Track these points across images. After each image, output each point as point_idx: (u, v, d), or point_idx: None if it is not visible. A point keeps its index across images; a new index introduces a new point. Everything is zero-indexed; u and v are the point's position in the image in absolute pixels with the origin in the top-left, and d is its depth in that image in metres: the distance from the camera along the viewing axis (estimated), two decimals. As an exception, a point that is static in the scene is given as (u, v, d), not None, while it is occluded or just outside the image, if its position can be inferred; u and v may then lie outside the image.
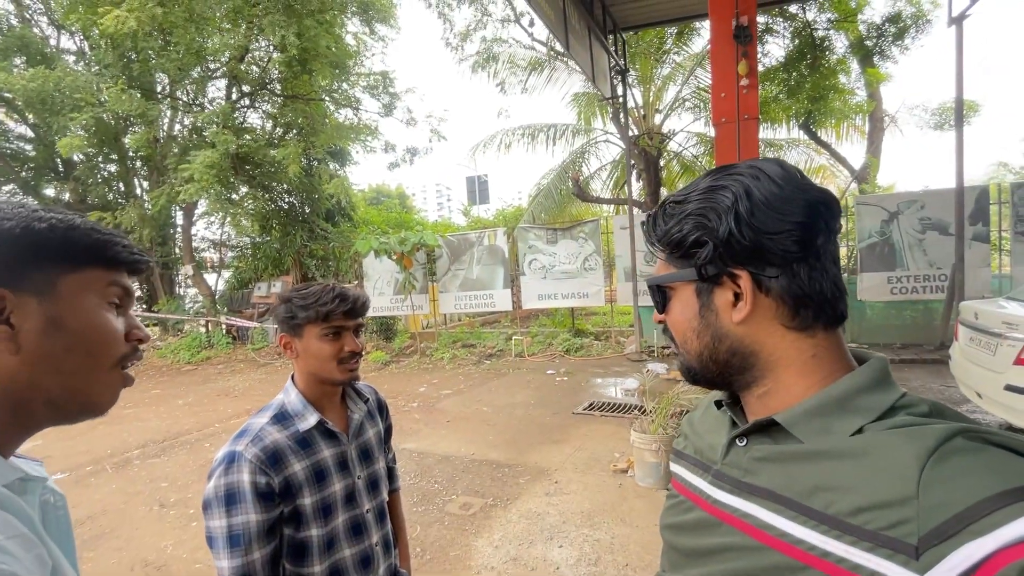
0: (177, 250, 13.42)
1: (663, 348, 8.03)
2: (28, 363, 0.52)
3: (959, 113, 6.78)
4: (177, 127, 12.53)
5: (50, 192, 13.09)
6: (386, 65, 26.61)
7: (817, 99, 9.44)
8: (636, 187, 11.52)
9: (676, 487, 0.69)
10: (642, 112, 11.75)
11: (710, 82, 5.57)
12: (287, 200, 12.79)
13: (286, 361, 9.28)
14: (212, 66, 11.61)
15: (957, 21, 6.43)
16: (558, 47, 10.09)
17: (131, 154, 12.36)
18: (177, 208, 12.39)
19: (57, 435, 5.72)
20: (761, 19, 9.07)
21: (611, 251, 9.63)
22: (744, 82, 4.00)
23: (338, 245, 11.94)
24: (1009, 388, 3.46)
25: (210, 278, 13.36)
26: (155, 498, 4.07)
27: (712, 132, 6.27)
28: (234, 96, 11.89)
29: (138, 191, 12.98)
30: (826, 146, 11.92)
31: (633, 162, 10.47)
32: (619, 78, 8.52)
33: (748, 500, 0.55)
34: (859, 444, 0.49)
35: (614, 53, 7.87)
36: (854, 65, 10.68)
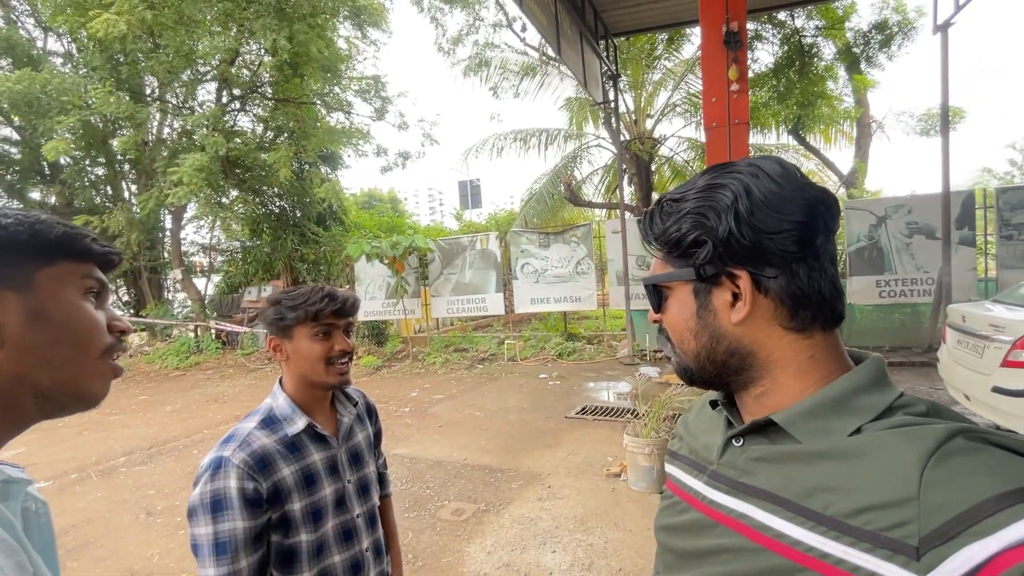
0: (166, 254, 13.27)
1: (655, 352, 8.05)
2: (13, 357, 0.53)
3: (944, 119, 6.89)
4: (166, 130, 12.40)
5: (36, 195, 12.90)
6: (378, 69, 26.68)
7: (805, 105, 9.59)
8: (628, 191, 11.59)
9: (671, 488, 0.68)
10: (633, 117, 11.84)
11: (700, 88, 5.63)
12: (278, 204, 12.69)
13: (276, 366, 9.18)
14: (202, 69, 11.52)
15: (942, 29, 6.54)
16: (550, 52, 10.16)
17: (119, 157, 12.19)
18: (166, 212, 12.26)
19: (41, 442, 5.61)
20: (751, 25, 9.19)
21: (603, 255, 9.65)
22: (735, 87, 4.04)
23: (329, 249, 11.87)
24: (996, 390, 3.50)
25: (199, 283, 13.21)
26: (141, 506, 4.00)
27: (703, 136, 6.32)
28: (224, 99, 11.80)
29: (126, 195, 12.81)
30: (815, 151, 12.09)
31: (625, 167, 10.53)
32: (611, 83, 8.59)
33: (745, 501, 0.54)
34: (858, 444, 0.49)
35: (606, 58, 7.93)
36: (842, 71, 10.88)
